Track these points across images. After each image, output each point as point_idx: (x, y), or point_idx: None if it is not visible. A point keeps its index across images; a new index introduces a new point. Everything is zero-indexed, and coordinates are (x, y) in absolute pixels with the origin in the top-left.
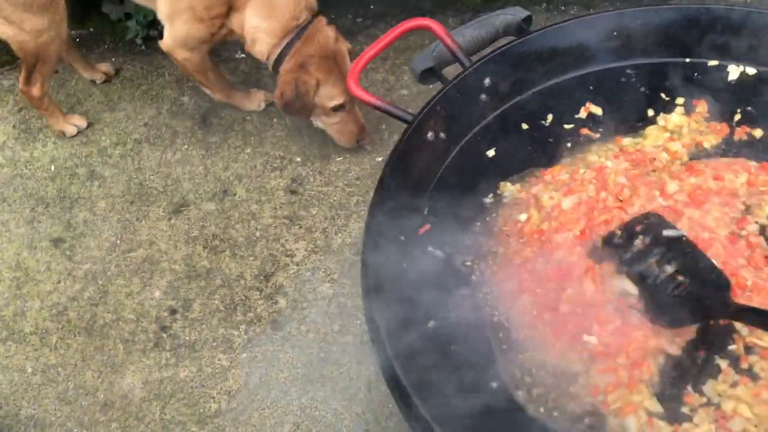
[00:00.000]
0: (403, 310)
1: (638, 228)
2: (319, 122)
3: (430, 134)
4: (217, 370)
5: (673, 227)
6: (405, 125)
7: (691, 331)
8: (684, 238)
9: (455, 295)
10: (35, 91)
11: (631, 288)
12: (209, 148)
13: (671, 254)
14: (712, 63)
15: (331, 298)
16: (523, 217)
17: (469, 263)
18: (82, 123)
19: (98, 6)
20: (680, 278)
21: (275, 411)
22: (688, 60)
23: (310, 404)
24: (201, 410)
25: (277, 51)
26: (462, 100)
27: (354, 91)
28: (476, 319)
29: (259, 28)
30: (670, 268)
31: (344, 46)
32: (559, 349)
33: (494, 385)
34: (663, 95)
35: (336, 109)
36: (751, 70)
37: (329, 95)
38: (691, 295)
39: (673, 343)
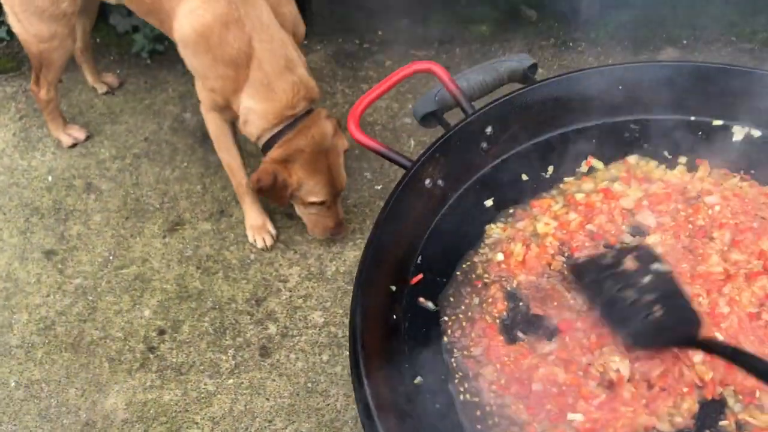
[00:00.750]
0: (390, 364)
1: (630, 255)
2: (296, 209)
3: (428, 181)
4: (202, 395)
5: (662, 262)
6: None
7: (686, 414)
8: (670, 275)
9: (438, 355)
10: (42, 93)
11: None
12: (209, 167)
13: (653, 285)
14: (717, 123)
15: (321, 326)
16: (499, 256)
17: (446, 318)
18: (80, 135)
19: (106, 17)
20: (655, 307)
21: None
22: (693, 118)
23: None
24: None
25: (268, 136)
26: (462, 147)
27: (354, 134)
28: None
29: (252, 110)
30: (648, 297)
31: (341, 142)
32: (539, 429)
33: None
34: (666, 153)
35: (315, 203)
36: (756, 132)
37: (310, 191)
38: (660, 323)
39: (664, 420)
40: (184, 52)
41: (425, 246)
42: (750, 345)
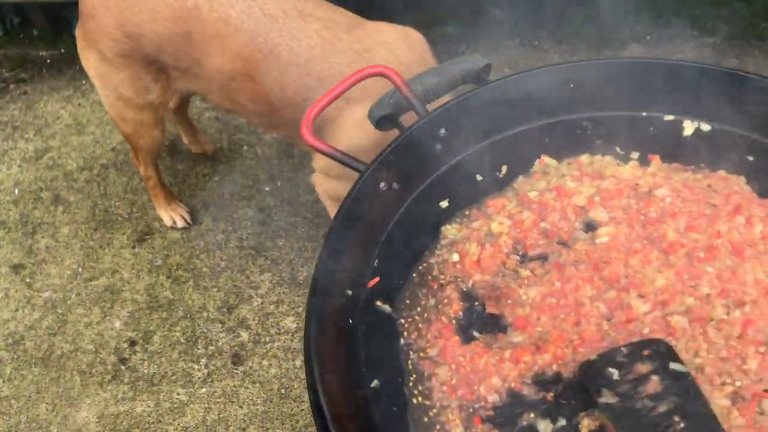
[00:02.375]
0: (346, 366)
1: (645, 353)
2: None
3: (382, 184)
4: (175, 405)
5: (680, 361)
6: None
7: None
8: (690, 377)
9: (395, 357)
10: (141, 169)
11: None
12: (177, 176)
13: (671, 390)
14: (668, 118)
15: (294, 332)
16: (455, 257)
17: (402, 321)
18: (185, 217)
19: (70, 27)
20: (675, 418)
21: None
22: (644, 114)
23: None
24: None
25: None
26: (416, 150)
27: (307, 139)
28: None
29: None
30: (667, 406)
31: None
32: None
33: None
34: (618, 149)
35: None
36: (705, 127)
37: None
38: None
39: None
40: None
41: (381, 249)
42: None
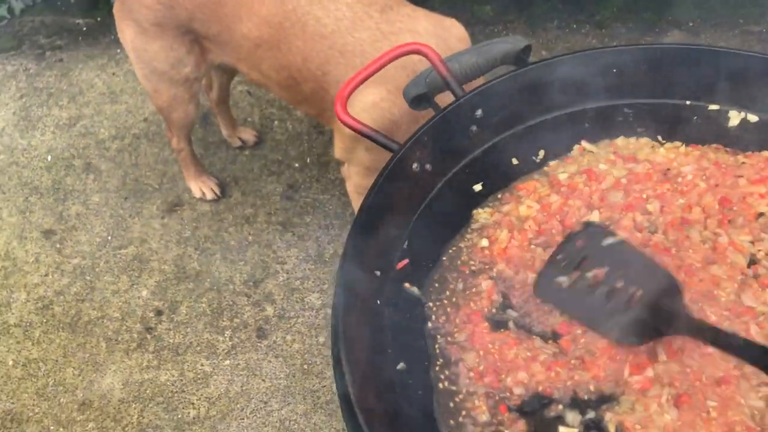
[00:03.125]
0: (372, 347)
1: (578, 243)
2: None
3: (415, 165)
4: (198, 376)
5: (612, 234)
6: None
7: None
8: (623, 243)
9: (422, 341)
10: (173, 142)
11: None
12: (208, 148)
13: (616, 264)
14: (713, 107)
15: (319, 309)
16: (484, 242)
17: (431, 304)
18: (215, 189)
19: None
20: (630, 289)
21: (254, 422)
22: (688, 102)
23: (289, 417)
24: (179, 416)
25: None
26: (451, 131)
27: (341, 116)
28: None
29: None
30: (619, 282)
31: None
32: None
33: None
34: (660, 137)
35: None
36: (753, 117)
37: None
38: (646, 306)
39: None
40: (352, 145)
41: (412, 231)
42: None
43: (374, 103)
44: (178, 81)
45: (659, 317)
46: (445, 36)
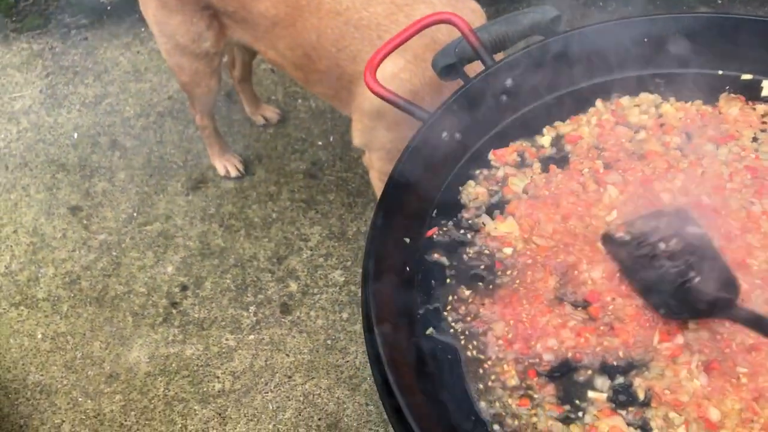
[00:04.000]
0: (402, 313)
1: (663, 219)
2: None
3: (445, 134)
4: (223, 350)
5: (698, 225)
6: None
7: None
8: (705, 237)
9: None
10: (197, 119)
11: None
12: (231, 126)
13: (687, 249)
14: (746, 77)
15: (342, 285)
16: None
17: (449, 280)
18: (239, 167)
19: None
20: (691, 273)
21: (278, 395)
22: (720, 72)
23: (313, 391)
24: (204, 389)
25: None
26: (481, 100)
27: (371, 85)
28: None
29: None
30: (682, 263)
31: None
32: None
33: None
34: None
35: None
36: None
37: None
38: (696, 291)
39: None
40: (372, 124)
41: (441, 200)
42: None
43: (394, 74)
44: (199, 55)
45: (710, 303)
46: (459, 7)
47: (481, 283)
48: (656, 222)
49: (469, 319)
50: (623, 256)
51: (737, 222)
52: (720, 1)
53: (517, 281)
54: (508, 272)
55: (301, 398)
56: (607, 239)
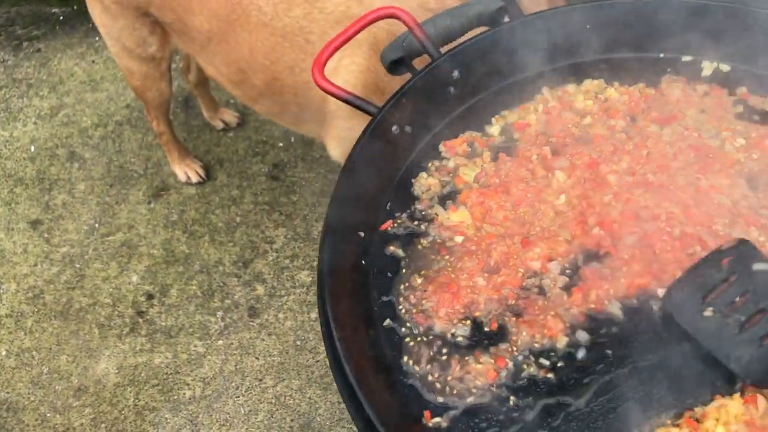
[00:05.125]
0: (358, 304)
1: (725, 261)
2: None
3: (395, 128)
4: (192, 357)
5: (765, 259)
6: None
7: None
8: None
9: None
10: (153, 124)
11: None
12: (191, 131)
13: (760, 294)
14: (686, 59)
15: (309, 286)
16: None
17: (404, 270)
18: (199, 172)
19: None
20: None
21: (250, 399)
22: (661, 55)
23: (285, 392)
24: (175, 396)
25: None
26: (429, 92)
27: (319, 81)
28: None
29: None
30: (758, 315)
31: None
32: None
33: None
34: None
35: None
36: (725, 67)
37: None
38: None
39: None
40: (348, 124)
41: (394, 192)
42: None
43: (348, 66)
44: (146, 59)
45: None
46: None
47: (429, 271)
48: (719, 272)
49: (417, 308)
50: (686, 315)
51: (687, 195)
52: None
53: (449, 268)
54: (446, 257)
55: (273, 400)
56: (670, 297)
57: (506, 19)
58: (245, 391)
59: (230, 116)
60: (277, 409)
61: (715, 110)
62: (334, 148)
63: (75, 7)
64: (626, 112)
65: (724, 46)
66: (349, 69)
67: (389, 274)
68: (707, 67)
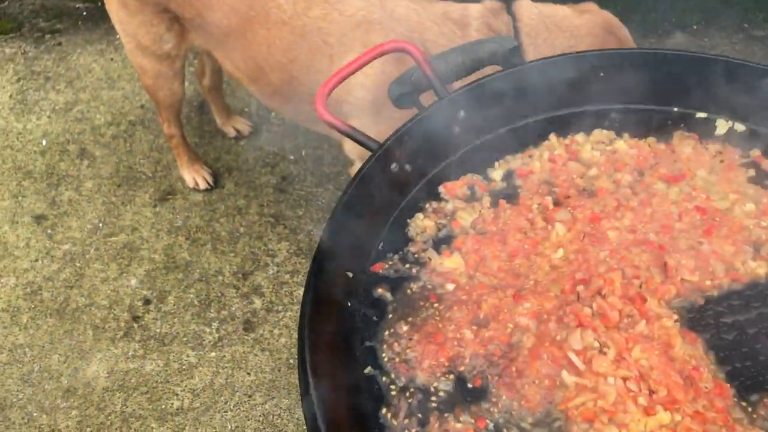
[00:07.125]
0: (340, 349)
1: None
2: None
3: (394, 165)
4: (184, 367)
5: None
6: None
7: None
8: None
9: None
10: (164, 127)
11: None
12: (203, 137)
13: None
14: (700, 115)
15: None
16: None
17: (390, 315)
18: (208, 179)
19: None
20: None
21: (237, 414)
22: (676, 109)
23: (273, 411)
24: (163, 406)
25: None
26: (433, 131)
27: (321, 113)
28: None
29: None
30: None
31: None
32: None
33: None
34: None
35: None
36: (740, 127)
37: None
38: None
39: None
40: (371, 119)
41: (388, 233)
42: None
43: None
44: (161, 57)
45: None
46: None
47: (416, 318)
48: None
49: (401, 357)
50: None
51: (688, 260)
52: (695, 27)
53: (437, 317)
54: (435, 305)
55: (261, 418)
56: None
57: (518, 61)
58: (233, 407)
59: (242, 125)
60: (265, 428)
61: (726, 172)
62: (348, 142)
63: (99, 3)
64: (634, 166)
65: (741, 105)
66: None
67: (375, 318)
68: (722, 126)
